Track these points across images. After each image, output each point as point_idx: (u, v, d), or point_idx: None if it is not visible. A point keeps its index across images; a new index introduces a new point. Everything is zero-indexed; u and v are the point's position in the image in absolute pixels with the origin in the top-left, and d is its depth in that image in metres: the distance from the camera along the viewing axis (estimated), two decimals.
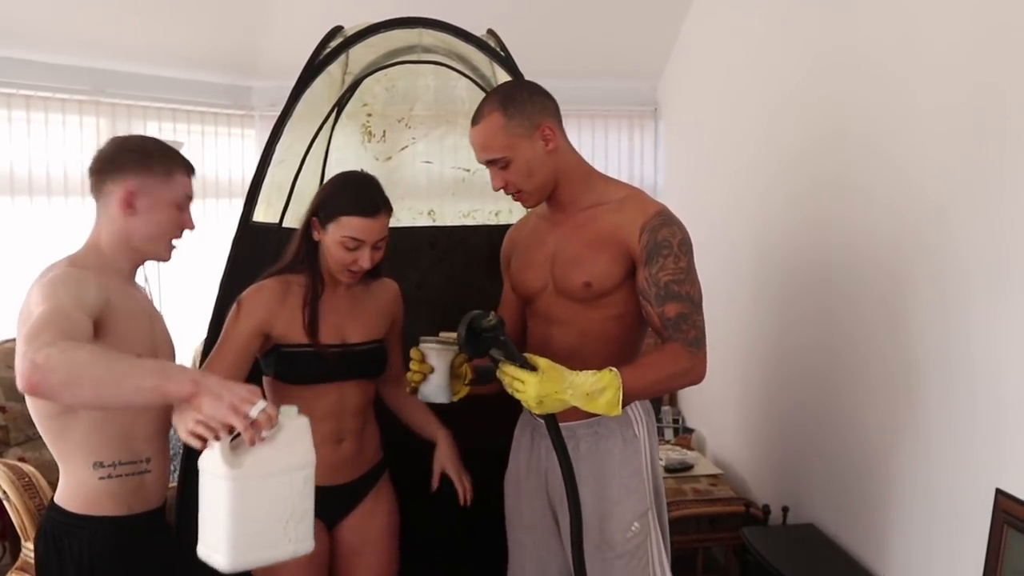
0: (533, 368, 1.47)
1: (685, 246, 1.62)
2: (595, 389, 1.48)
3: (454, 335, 1.54)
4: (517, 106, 1.64)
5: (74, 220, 3.49)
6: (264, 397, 1.30)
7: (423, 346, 1.68)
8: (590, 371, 1.49)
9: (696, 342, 1.61)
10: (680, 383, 1.69)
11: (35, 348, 1.23)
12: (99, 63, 3.60)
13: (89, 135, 3.56)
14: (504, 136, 1.63)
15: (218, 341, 1.79)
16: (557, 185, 1.70)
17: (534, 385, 1.46)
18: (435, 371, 1.67)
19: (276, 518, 1.34)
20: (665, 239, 1.61)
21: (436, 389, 1.67)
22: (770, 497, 2.86)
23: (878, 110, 2.26)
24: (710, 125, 3.66)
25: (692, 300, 1.61)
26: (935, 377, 2.02)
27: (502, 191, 1.71)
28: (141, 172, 1.54)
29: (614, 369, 1.50)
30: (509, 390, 1.50)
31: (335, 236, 1.74)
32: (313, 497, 1.39)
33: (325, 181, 1.87)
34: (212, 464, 1.31)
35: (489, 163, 1.68)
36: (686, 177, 4.01)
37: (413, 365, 1.69)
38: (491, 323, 1.47)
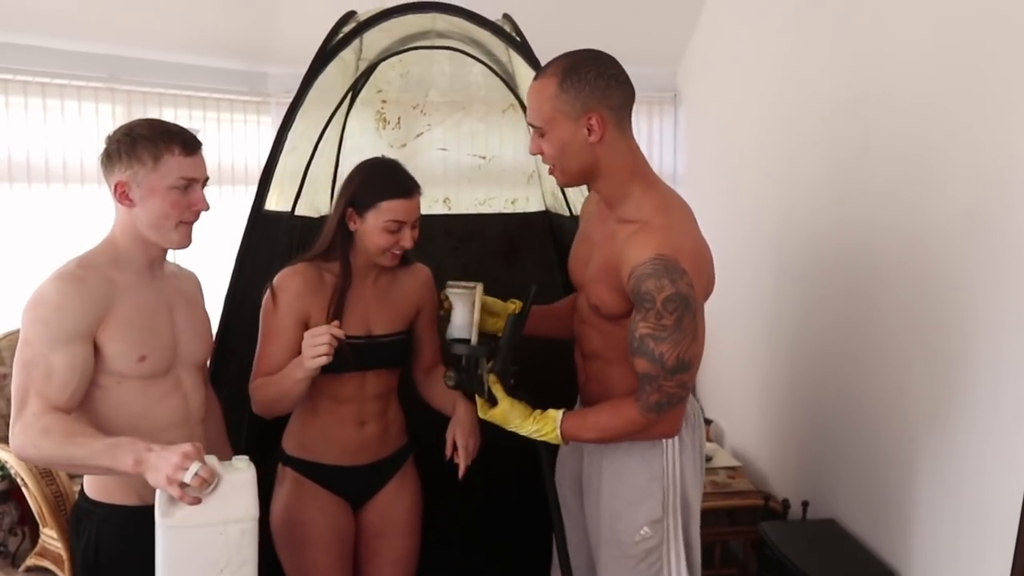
0: (494, 402, 1.67)
1: (673, 303, 1.46)
2: (535, 433, 1.66)
3: (474, 283, 1.75)
4: (576, 82, 1.52)
5: (89, 208, 3.49)
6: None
7: (447, 291, 1.77)
8: (535, 419, 1.66)
9: (657, 407, 1.55)
10: (635, 439, 1.69)
11: (14, 432, 1.43)
12: (114, 50, 3.59)
13: (105, 122, 3.55)
14: (549, 108, 1.54)
15: (262, 332, 1.82)
16: (597, 179, 1.61)
17: (484, 413, 1.68)
18: (456, 312, 1.74)
19: (209, 566, 1.41)
20: (648, 292, 1.47)
21: (458, 330, 1.73)
22: (790, 491, 2.82)
23: (910, 87, 2.20)
24: (731, 112, 3.60)
25: (663, 363, 1.50)
26: (972, 373, 1.95)
27: (538, 157, 1.64)
28: (131, 163, 1.51)
29: (557, 419, 1.64)
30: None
31: (376, 223, 1.75)
32: (254, 549, 1.45)
33: (349, 172, 1.86)
34: (155, 510, 1.41)
35: (529, 125, 1.61)
36: (706, 164, 3.95)
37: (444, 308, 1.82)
38: (477, 361, 1.69)
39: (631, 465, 1.70)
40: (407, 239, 1.78)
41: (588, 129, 1.53)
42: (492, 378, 1.65)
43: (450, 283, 1.77)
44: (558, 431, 1.64)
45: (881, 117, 2.32)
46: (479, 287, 1.73)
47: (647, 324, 1.50)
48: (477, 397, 1.69)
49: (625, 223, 1.59)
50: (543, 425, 1.65)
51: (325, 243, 1.82)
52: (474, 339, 1.68)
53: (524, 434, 1.67)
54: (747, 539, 2.87)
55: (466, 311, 1.72)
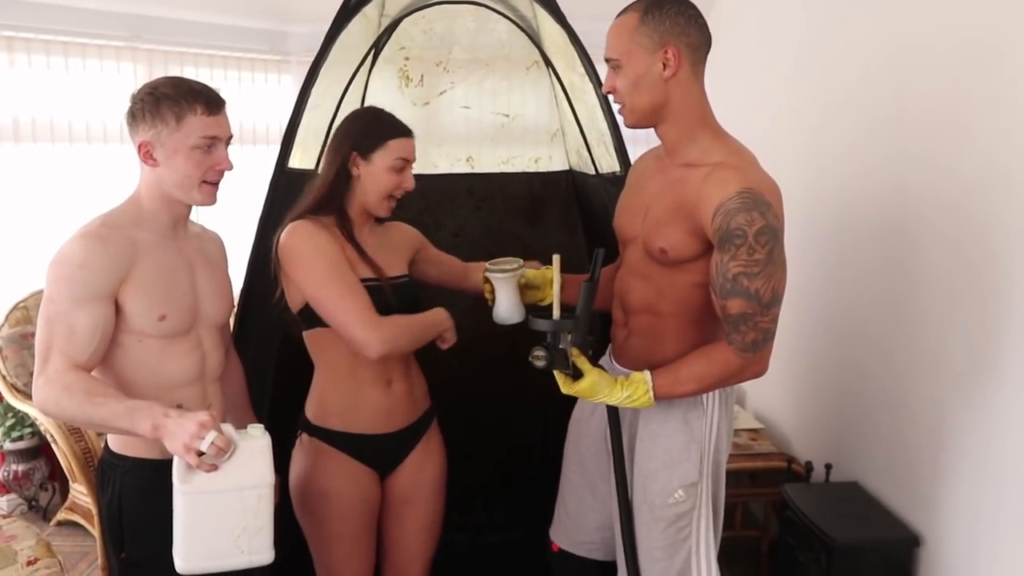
0: (579, 375, 1.57)
1: (765, 236, 1.47)
2: (626, 399, 1.59)
3: (514, 261, 1.73)
4: (658, 15, 1.55)
5: (111, 167, 3.50)
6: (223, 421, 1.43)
7: (487, 274, 1.76)
8: (622, 385, 1.58)
9: (754, 345, 1.53)
10: (730, 383, 1.66)
11: (37, 387, 1.45)
12: (136, 8, 3.57)
13: (126, 81, 3.55)
14: (628, 40, 1.55)
15: (335, 287, 1.72)
16: (664, 120, 1.60)
17: (569, 388, 1.59)
18: (500, 296, 1.72)
19: (227, 531, 1.44)
20: (739, 227, 1.46)
21: (506, 312, 1.73)
22: (813, 453, 2.81)
23: (947, 44, 2.13)
24: (760, 65, 3.52)
25: (759, 299, 1.49)
26: (1006, 337, 1.92)
27: (610, 95, 1.64)
28: (154, 123, 1.51)
29: (647, 381, 1.57)
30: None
31: (385, 162, 1.78)
32: (270, 513, 1.47)
33: (341, 121, 1.88)
34: (173, 476, 1.43)
35: (607, 60, 1.61)
36: (733, 120, 3.86)
37: (486, 291, 1.81)
38: (560, 337, 1.56)
39: (669, 427, 1.68)
40: (409, 179, 1.81)
41: (664, 63, 1.55)
42: (575, 351, 1.56)
43: (489, 267, 1.71)
44: (651, 393, 1.58)
45: (917, 76, 2.26)
46: (557, 261, 1.62)
47: (737, 262, 1.48)
48: (557, 374, 1.58)
49: (693, 167, 1.58)
50: (634, 390, 1.58)
51: (321, 194, 1.80)
52: (556, 313, 1.59)
53: (612, 403, 1.60)
54: (769, 501, 2.87)
55: (510, 294, 1.68)
